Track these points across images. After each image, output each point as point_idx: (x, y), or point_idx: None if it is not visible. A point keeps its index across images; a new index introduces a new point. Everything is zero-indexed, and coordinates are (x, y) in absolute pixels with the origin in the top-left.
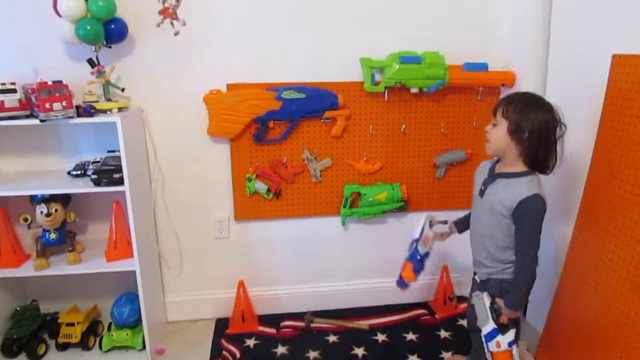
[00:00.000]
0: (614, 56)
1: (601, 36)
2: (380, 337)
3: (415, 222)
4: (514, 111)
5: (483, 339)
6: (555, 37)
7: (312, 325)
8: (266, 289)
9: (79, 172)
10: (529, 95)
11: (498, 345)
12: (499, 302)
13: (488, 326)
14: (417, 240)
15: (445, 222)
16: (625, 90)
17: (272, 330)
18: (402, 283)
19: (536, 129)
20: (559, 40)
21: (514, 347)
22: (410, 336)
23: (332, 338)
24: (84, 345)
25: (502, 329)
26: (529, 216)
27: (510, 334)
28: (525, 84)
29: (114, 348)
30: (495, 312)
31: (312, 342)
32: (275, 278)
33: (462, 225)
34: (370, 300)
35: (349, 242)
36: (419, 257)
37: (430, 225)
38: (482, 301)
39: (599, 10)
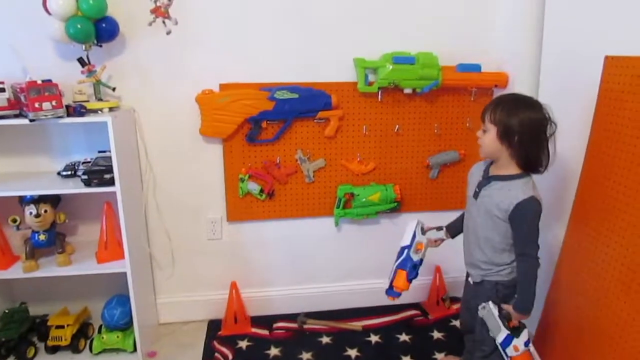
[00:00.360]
0: (606, 57)
1: (594, 37)
2: (374, 338)
3: (407, 223)
4: (502, 115)
5: (500, 347)
6: (548, 39)
7: (305, 326)
8: (259, 290)
9: (69, 173)
10: (516, 96)
11: (516, 349)
12: (506, 307)
13: (502, 334)
14: (408, 248)
15: (440, 229)
16: (617, 92)
17: (265, 332)
18: (393, 293)
19: (526, 131)
20: (551, 42)
21: (530, 345)
22: (404, 337)
23: (325, 339)
24: (74, 348)
25: (515, 332)
26: (526, 219)
27: (524, 335)
28: (518, 85)
29: (104, 351)
30: (505, 318)
31: (305, 343)
32: (268, 279)
33: (454, 229)
34: (363, 301)
35: (342, 243)
36: (412, 265)
37: (423, 232)
38: (491, 311)
39: (591, 12)
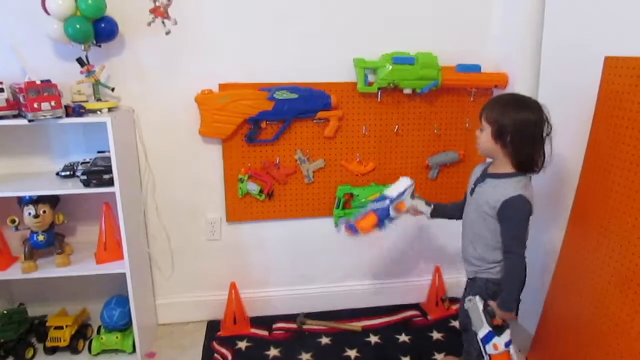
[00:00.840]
0: (606, 58)
1: (593, 38)
2: (373, 339)
3: (401, 178)
4: (497, 114)
5: (480, 343)
6: (548, 39)
7: (305, 327)
8: (258, 291)
9: (68, 173)
10: (512, 96)
11: (496, 347)
12: (492, 304)
13: (483, 329)
14: (391, 200)
15: (429, 204)
16: (617, 92)
17: (264, 333)
18: (354, 229)
19: (518, 131)
20: (551, 42)
21: (511, 346)
22: (403, 338)
23: (324, 340)
24: (72, 348)
25: (497, 330)
26: (512, 217)
27: (506, 335)
28: (518, 86)
29: (103, 351)
30: (489, 314)
31: (305, 344)
32: (267, 279)
33: (437, 212)
34: (362, 301)
35: (342, 243)
36: (386, 218)
37: (412, 196)
38: (476, 305)
39: (591, 12)
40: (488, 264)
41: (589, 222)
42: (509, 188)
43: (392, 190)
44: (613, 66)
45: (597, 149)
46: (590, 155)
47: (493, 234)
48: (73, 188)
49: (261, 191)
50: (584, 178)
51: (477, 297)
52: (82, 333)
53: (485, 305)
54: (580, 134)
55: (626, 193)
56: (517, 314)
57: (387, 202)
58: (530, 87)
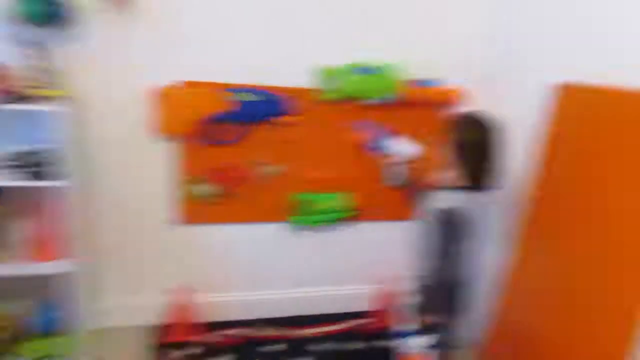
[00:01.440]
0: (557, 84)
1: (548, 63)
2: (327, 346)
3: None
4: (449, 129)
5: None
6: (504, 61)
7: (258, 333)
8: (209, 295)
9: (11, 164)
10: (471, 114)
11: (409, 345)
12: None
13: (408, 324)
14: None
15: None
16: (568, 117)
17: (216, 338)
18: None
19: (461, 147)
20: (509, 63)
21: (431, 352)
22: (357, 345)
23: (278, 346)
24: (7, 353)
25: (419, 331)
26: (446, 226)
27: (424, 339)
28: (475, 103)
29: (40, 357)
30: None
31: (258, 350)
32: (220, 284)
33: None
34: (317, 308)
35: (298, 249)
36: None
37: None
38: (410, 300)
39: (547, 39)
40: (434, 270)
41: (538, 239)
42: (450, 200)
43: (395, 145)
44: (565, 92)
45: (548, 169)
46: (541, 174)
47: (436, 241)
48: (16, 180)
49: (217, 193)
50: (532, 198)
51: (417, 295)
52: (16, 337)
53: (417, 303)
54: (531, 156)
55: (573, 210)
56: (448, 322)
57: (384, 144)
58: (487, 105)
